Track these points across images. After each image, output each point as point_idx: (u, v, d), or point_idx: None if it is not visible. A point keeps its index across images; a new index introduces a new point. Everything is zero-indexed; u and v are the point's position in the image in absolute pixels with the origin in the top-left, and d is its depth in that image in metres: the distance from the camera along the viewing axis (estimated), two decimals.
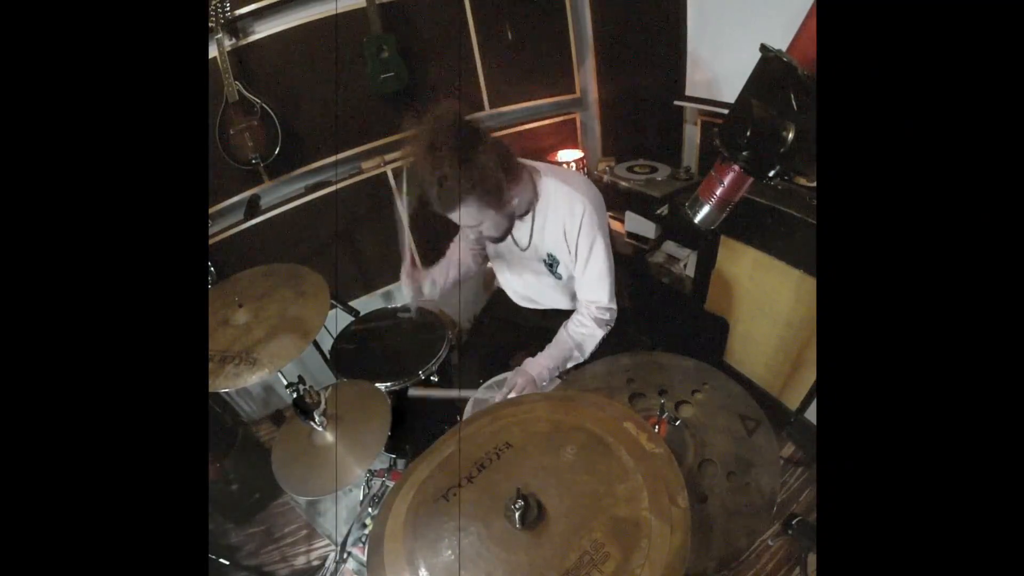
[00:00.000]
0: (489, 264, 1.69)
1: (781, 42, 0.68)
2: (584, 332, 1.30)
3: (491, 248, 1.46)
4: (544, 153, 2.24)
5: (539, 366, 1.25)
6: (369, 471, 1.25)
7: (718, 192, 0.80)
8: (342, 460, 1.06)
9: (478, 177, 1.08)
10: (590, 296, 1.30)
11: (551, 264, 1.34)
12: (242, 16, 1.60)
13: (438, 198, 1.10)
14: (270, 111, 1.68)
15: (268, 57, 1.68)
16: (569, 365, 1.30)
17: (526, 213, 1.28)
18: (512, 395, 1.20)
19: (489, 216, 1.16)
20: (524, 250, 1.35)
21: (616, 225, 2.14)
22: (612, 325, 1.32)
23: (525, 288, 1.51)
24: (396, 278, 2.16)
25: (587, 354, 1.31)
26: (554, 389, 1.23)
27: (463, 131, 1.08)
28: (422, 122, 1.09)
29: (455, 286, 1.50)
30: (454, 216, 1.14)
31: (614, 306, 1.31)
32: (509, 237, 1.33)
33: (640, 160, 2.10)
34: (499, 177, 1.11)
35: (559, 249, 1.30)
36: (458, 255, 1.51)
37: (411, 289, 1.39)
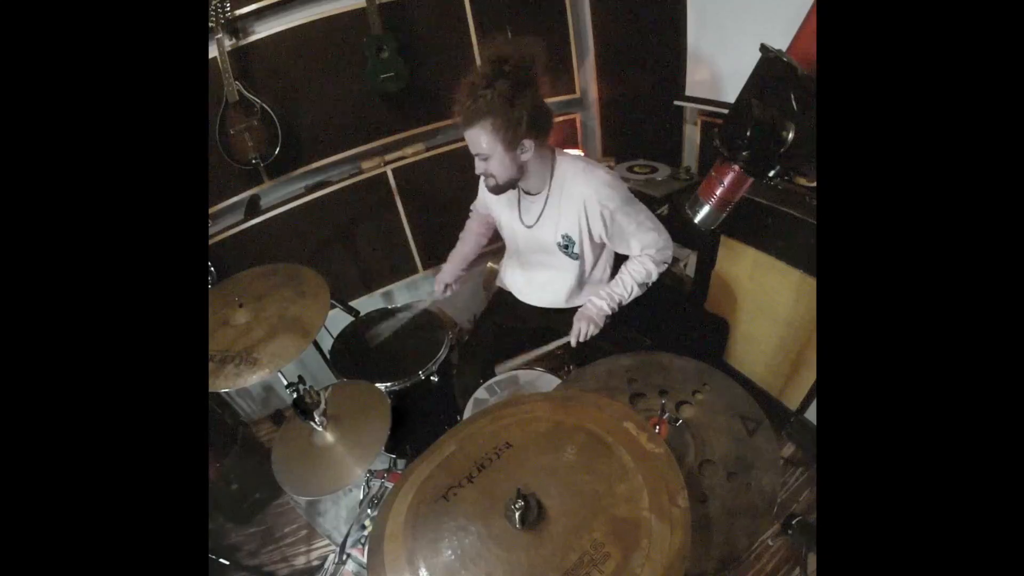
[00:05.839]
0: (490, 264, 1.68)
1: (781, 42, 0.68)
2: (642, 270, 1.35)
3: (506, 234, 1.49)
4: None
5: (597, 307, 1.34)
6: (369, 471, 1.25)
7: (718, 192, 0.80)
8: (342, 460, 1.06)
9: (506, 106, 1.12)
10: (648, 244, 1.34)
11: (566, 245, 1.36)
12: (242, 16, 1.59)
13: (467, 108, 1.13)
14: (270, 111, 1.67)
15: (268, 57, 1.68)
16: (627, 301, 1.38)
17: (538, 193, 1.32)
18: (580, 340, 1.32)
19: (498, 153, 1.18)
20: (530, 228, 1.38)
21: None
22: (668, 264, 1.38)
23: (533, 280, 1.52)
24: (396, 278, 2.20)
25: (646, 286, 1.38)
26: (554, 389, 1.23)
27: (523, 69, 1.12)
28: (505, 43, 1.14)
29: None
30: (469, 133, 1.17)
31: (670, 245, 1.36)
32: (517, 216, 1.39)
33: (640, 160, 2.10)
34: (522, 120, 1.14)
35: (574, 228, 1.32)
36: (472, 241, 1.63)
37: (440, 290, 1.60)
